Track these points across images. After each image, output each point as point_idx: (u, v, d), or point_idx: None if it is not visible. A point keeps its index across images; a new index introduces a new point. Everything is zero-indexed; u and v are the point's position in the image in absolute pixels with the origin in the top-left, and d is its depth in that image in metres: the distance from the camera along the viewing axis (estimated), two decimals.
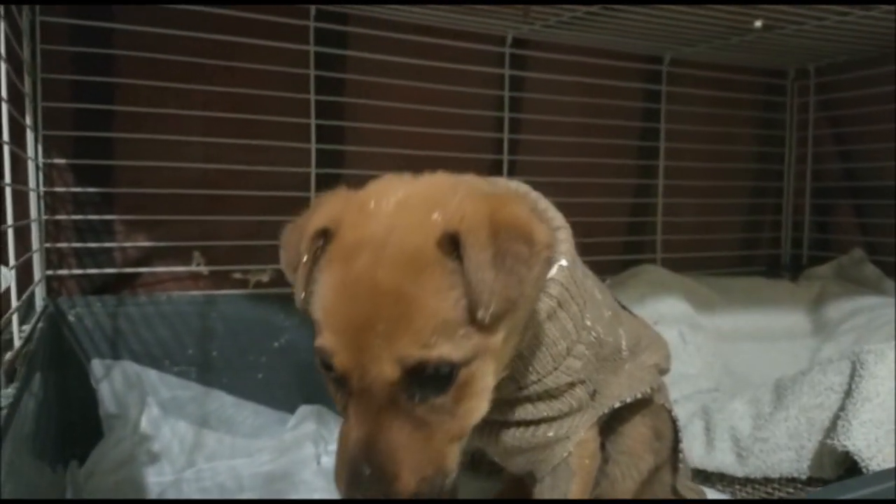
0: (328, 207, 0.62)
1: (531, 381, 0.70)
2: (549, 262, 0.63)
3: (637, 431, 0.87)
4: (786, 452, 0.95)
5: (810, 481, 0.94)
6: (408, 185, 0.62)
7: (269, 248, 1.40)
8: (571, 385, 0.72)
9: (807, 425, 0.94)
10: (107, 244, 1.28)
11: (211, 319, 1.32)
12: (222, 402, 1.30)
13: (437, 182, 0.63)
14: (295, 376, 1.36)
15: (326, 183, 1.42)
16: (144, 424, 1.16)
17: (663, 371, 0.86)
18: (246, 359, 1.34)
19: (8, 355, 0.80)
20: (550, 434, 0.73)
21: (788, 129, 1.90)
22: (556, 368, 0.70)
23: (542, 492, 0.77)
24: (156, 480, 1.09)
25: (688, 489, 0.95)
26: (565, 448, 0.75)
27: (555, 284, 0.69)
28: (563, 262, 0.71)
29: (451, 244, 0.55)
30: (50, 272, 1.22)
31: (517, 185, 0.80)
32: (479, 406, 0.58)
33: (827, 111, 1.83)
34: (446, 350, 0.54)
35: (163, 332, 1.28)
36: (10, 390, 0.69)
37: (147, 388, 1.22)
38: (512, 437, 0.73)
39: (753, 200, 1.92)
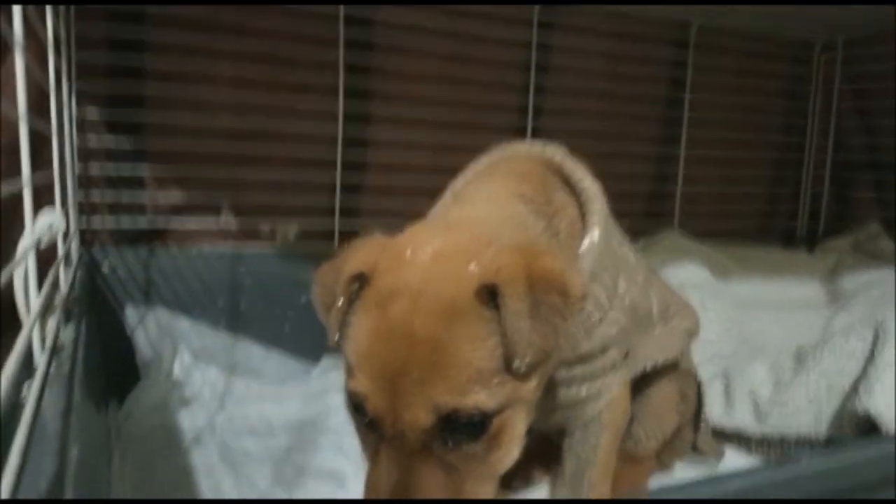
0: (363, 253, 0.62)
1: (565, 350, 0.73)
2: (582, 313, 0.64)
3: (663, 393, 0.90)
4: (804, 415, 0.98)
5: (827, 442, 0.97)
6: (443, 237, 0.62)
7: (296, 205, 1.43)
8: (605, 349, 0.75)
9: (826, 389, 0.97)
10: (138, 198, 1.31)
11: (240, 274, 1.35)
12: (250, 351, 1.34)
13: (472, 233, 0.63)
14: (319, 329, 1.38)
15: (352, 143, 1.45)
16: (177, 371, 1.20)
17: (693, 336, 0.89)
18: (273, 312, 1.37)
19: (59, 298, 0.83)
20: (583, 393, 0.76)
21: (812, 102, 1.90)
22: (589, 337, 0.73)
23: (571, 445, 0.80)
24: (190, 424, 1.12)
25: (708, 445, 0.98)
26: (597, 405, 0.78)
27: (587, 259, 0.72)
28: (595, 235, 0.73)
29: (488, 295, 0.56)
30: (83, 225, 1.25)
31: (553, 151, 0.81)
32: (510, 453, 0.59)
33: (852, 85, 1.83)
34: (481, 398, 0.54)
35: (194, 284, 1.31)
36: (70, 330, 0.72)
37: (179, 337, 1.25)
38: (544, 396, 0.76)
39: (774, 173, 1.93)
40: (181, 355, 1.22)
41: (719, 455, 1.00)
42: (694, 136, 1.77)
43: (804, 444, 0.99)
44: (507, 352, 0.54)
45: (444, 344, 0.54)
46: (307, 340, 1.38)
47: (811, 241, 1.86)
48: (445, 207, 0.80)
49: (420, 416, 0.54)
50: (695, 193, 1.80)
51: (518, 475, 0.93)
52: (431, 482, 0.55)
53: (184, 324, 1.27)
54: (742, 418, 1.04)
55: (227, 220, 1.39)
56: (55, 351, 0.65)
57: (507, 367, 0.55)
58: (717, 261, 1.51)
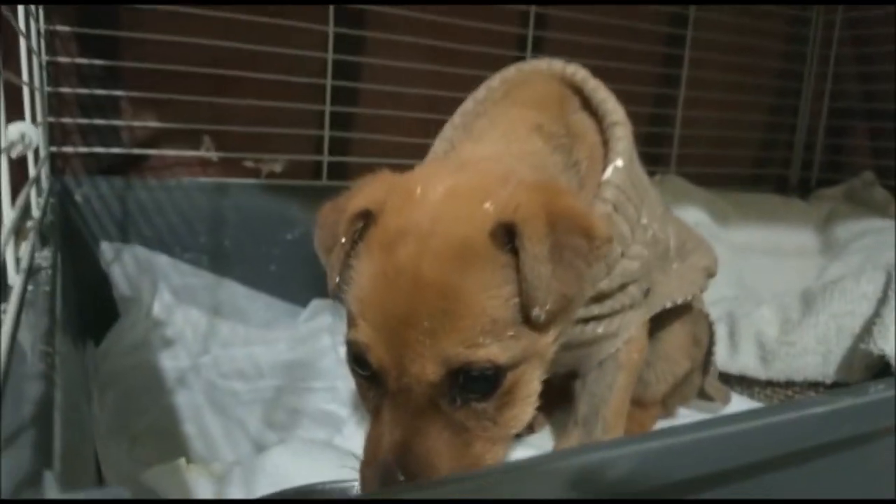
0: (371, 189, 0.57)
1: (588, 293, 0.68)
2: (607, 258, 0.59)
3: (676, 337, 0.86)
4: (812, 357, 0.96)
5: (835, 385, 0.96)
6: (457, 173, 0.57)
7: (282, 136, 1.35)
8: (624, 286, 0.71)
9: (836, 331, 0.95)
10: (113, 121, 1.22)
11: (223, 208, 1.27)
12: (234, 292, 1.28)
13: (487, 171, 0.58)
14: (307, 270, 1.33)
15: (343, 71, 1.36)
16: (157, 310, 1.14)
17: (712, 275, 0.85)
18: (259, 250, 1.31)
19: (30, 222, 0.76)
20: (599, 331, 0.72)
21: (811, 47, 1.85)
22: (608, 273, 0.68)
23: (585, 385, 0.76)
24: (172, 365, 1.07)
25: (715, 389, 0.96)
26: (613, 345, 0.74)
27: (610, 188, 0.67)
28: (619, 163, 0.68)
29: (505, 236, 0.51)
30: (54, 149, 1.16)
31: (574, 70, 0.76)
32: (523, 412, 0.55)
33: (851, 31, 1.79)
34: (494, 351, 0.50)
35: (173, 218, 1.23)
36: (47, 252, 0.66)
37: (158, 274, 1.18)
38: None
39: (769, 118, 1.89)
40: (161, 294, 1.15)
41: (726, 400, 0.98)
42: (693, 77, 1.72)
43: (811, 387, 0.98)
44: (525, 300, 0.50)
45: (455, 290, 0.49)
46: (295, 281, 1.32)
47: (804, 190, 1.84)
48: (456, 141, 0.73)
49: (428, 370, 0.50)
50: (691, 137, 1.76)
51: None
52: (437, 442, 0.51)
53: (163, 261, 1.20)
54: (747, 362, 1.02)
55: (209, 151, 1.31)
56: (31, 272, 0.58)
57: (525, 317, 0.50)
58: (716, 205, 1.48)
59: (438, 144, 0.76)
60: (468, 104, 0.77)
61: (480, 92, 0.77)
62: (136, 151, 1.24)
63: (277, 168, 1.38)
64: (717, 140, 1.81)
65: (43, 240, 0.71)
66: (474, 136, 0.69)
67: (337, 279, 0.56)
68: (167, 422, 0.91)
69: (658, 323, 0.83)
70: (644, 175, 0.75)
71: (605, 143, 0.70)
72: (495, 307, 0.50)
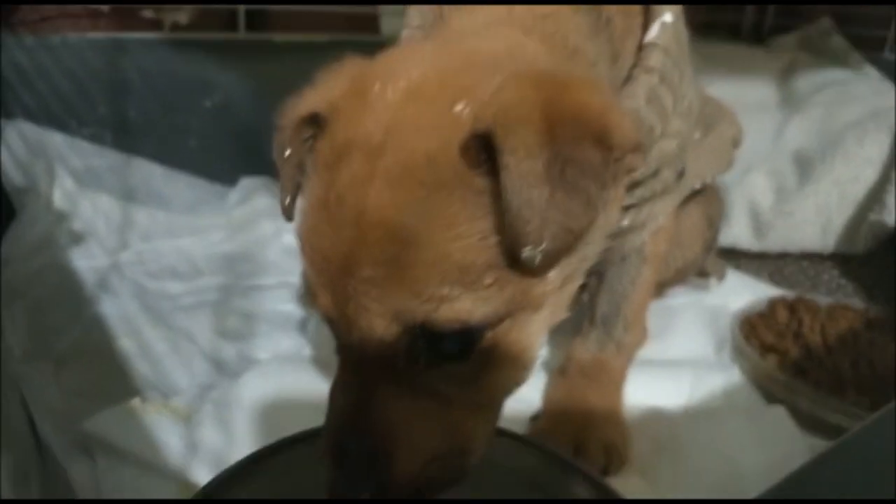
0: (328, 85, 0.43)
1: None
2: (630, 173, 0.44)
3: (691, 221, 0.77)
4: (811, 227, 0.90)
5: (831, 256, 0.91)
6: (431, 59, 0.42)
7: None
8: (658, 171, 0.59)
9: (838, 199, 0.89)
10: None
11: (123, 70, 1.06)
12: (149, 172, 1.09)
13: (472, 54, 0.42)
14: (233, 143, 1.15)
15: None
16: (58, 199, 0.95)
17: (737, 145, 0.75)
18: (172, 121, 1.11)
19: None
20: (625, 223, 0.60)
21: None
22: (644, 158, 0.56)
23: (602, 281, 0.67)
24: (88, 265, 0.90)
25: (712, 263, 0.89)
26: (640, 237, 0.63)
27: (656, 52, 0.53)
28: (668, 18, 0.54)
29: (481, 150, 0.37)
30: None
31: None
32: (514, 376, 0.43)
33: None
34: (463, 306, 0.37)
35: (63, 85, 1.01)
36: None
37: (54, 156, 0.98)
38: None
39: None
40: (60, 180, 0.96)
41: (721, 275, 0.92)
42: None
43: (806, 258, 0.93)
44: (510, 236, 0.36)
45: (408, 227, 0.37)
46: (219, 156, 1.15)
47: (756, 38, 1.75)
48: (438, 8, 0.54)
49: (377, 326, 0.38)
50: None
51: None
52: (397, 406, 0.40)
53: (58, 139, 1.00)
54: (738, 233, 0.96)
55: None
56: None
57: (512, 257, 0.37)
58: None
59: (413, 16, 0.57)
60: None
61: None
62: None
63: (183, 18, 1.15)
64: None
65: None
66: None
67: (287, 200, 0.44)
68: (96, 338, 0.76)
69: None
70: (683, 24, 0.62)
71: None
72: (464, 248, 0.37)
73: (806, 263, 0.93)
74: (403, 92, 0.39)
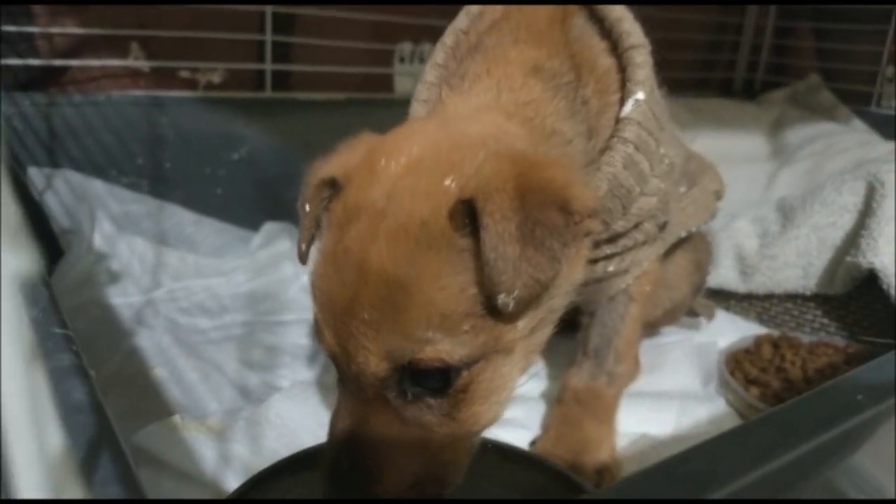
0: (345, 155, 0.51)
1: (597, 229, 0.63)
2: (590, 235, 0.51)
3: (678, 266, 0.84)
4: (793, 269, 0.97)
5: (813, 297, 0.97)
6: (429, 138, 0.49)
7: (219, 41, 1.21)
8: (639, 224, 0.67)
9: (817, 243, 0.95)
10: (25, 28, 1.05)
11: (159, 125, 1.15)
12: (180, 218, 1.18)
13: (461, 136, 0.50)
14: (257, 191, 1.24)
15: None
16: (98, 241, 1.03)
17: (720, 198, 0.83)
18: (202, 171, 1.20)
19: None
20: (610, 268, 0.68)
21: None
22: (625, 214, 0.64)
23: (593, 317, 0.74)
24: (124, 301, 0.98)
25: (701, 305, 0.96)
26: (624, 281, 0.71)
27: (631, 125, 0.60)
28: (640, 95, 0.61)
29: (466, 215, 0.44)
30: None
31: None
32: (489, 411, 0.49)
33: None
34: (444, 348, 0.44)
35: (106, 138, 1.10)
36: None
37: (95, 202, 1.07)
38: None
39: (717, 18, 1.86)
40: (101, 224, 1.04)
41: (711, 315, 0.98)
42: None
43: (787, 300, 0.99)
44: (488, 285, 0.43)
45: (401, 279, 0.44)
46: (243, 204, 1.23)
47: (748, 93, 1.84)
48: (445, 86, 0.63)
49: (372, 362, 0.45)
50: None
51: None
52: (386, 433, 0.47)
53: (99, 187, 1.09)
54: (726, 276, 1.03)
55: (138, 60, 1.16)
56: None
57: (490, 307, 0.44)
58: (673, 112, 1.46)
59: (421, 91, 0.65)
60: (449, 38, 0.66)
61: (475, 6, 0.66)
62: (57, 63, 1.08)
63: (216, 78, 1.25)
64: (663, 42, 1.77)
65: None
66: (465, 86, 0.60)
67: (304, 247, 0.53)
68: (133, 367, 0.84)
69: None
70: (660, 96, 0.70)
71: (621, 67, 0.63)
72: (447, 298, 0.44)
73: (790, 304, 0.99)
74: (404, 166, 0.47)
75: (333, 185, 0.50)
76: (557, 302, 0.51)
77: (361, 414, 0.47)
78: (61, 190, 1.02)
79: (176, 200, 1.17)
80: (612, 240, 0.66)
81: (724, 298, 1.05)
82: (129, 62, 1.15)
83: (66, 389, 0.29)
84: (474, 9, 0.66)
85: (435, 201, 0.45)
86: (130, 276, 1.04)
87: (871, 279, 0.89)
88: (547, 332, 0.52)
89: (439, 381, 0.46)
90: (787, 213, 1.02)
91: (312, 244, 0.52)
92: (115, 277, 1.02)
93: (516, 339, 0.48)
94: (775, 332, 0.93)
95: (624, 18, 0.64)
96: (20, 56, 1.05)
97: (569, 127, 0.58)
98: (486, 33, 0.63)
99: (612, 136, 0.61)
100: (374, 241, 0.45)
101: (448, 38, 0.65)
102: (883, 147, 1.43)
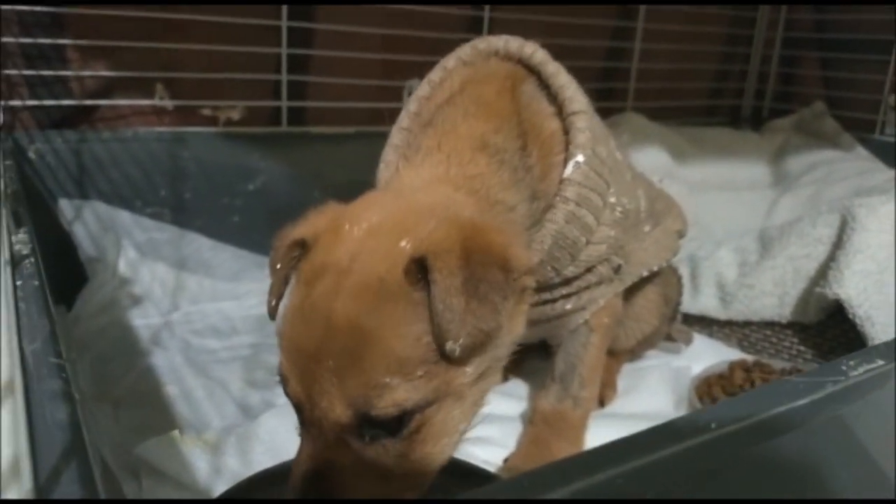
0: (313, 220, 0.57)
1: (549, 276, 0.69)
2: (527, 291, 0.57)
3: (647, 300, 0.90)
4: (769, 298, 1.01)
5: (790, 325, 1.01)
6: (386, 207, 0.56)
7: (238, 81, 1.31)
8: (590, 268, 0.73)
9: (793, 273, 1.00)
10: (60, 72, 1.16)
11: (182, 159, 1.24)
12: (199, 244, 1.26)
13: (414, 205, 0.56)
14: (272, 219, 1.31)
15: (298, 11, 1.31)
16: (123, 267, 1.12)
17: (682, 236, 0.88)
18: (221, 201, 1.29)
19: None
20: (568, 307, 0.74)
21: None
22: (574, 261, 0.70)
23: (560, 345, 0.80)
24: (144, 323, 1.07)
25: (679, 331, 1.01)
26: (582, 317, 0.77)
27: (571, 186, 0.66)
28: (580, 158, 0.67)
29: (419, 273, 0.50)
30: (1, 103, 1.10)
31: (531, 51, 0.71)
32: (441, 452, 0.54)
33: None
34: (400, 394, 0.49)
35: (132, 172, 1.20)
36: (23, 235, 0.64)
37: (121, 230, 1.16)
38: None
39: (724, 48, 1.90)
40: (126, 251, 1.13)
41: (689, 341, 1.03)
42: (650, 10, 1.71)
43: (766, 327, 1.03)
44: (437, 333, 0.49)
45: (362, 330, 0.49)
46: (259, 232, 1.31)
47: (756, 120, 1.88)
48: (403, 157, 0.69)
49: (335, 409, 0.50)
50: (648, 70, 1.76)
51: None
52: (347, 476, 0.51)
53: (125, 216, 1.18)
54: (707, 303, 1.07)
55: (163, 99, 1.26)
56: (15, 263, 0.57)
57: (441, 354, 0.50)
58: (673, 142, 1.51)
59: (387, 152, 0.72)
60: (413, 106, 0.73)
61: (435, 74, 0.73)
62: (88, 102, 1.19)
63: (235, 115, 1.34)
64: (673, 73, 1.82)
65: (17, 218, 0.68)
66: (418, 159, 0.66)
67: (273, 302, 0.58)
68: (147, 385, 0.92)
69: (631, 287, 0.84)
70: (609, 144, 0.74)
71: (566, 130, 0.69)
72: (404, 346, 0.49)
73: (769, 331, 1.03)
74: (366, 230, 0.53)
75: (302, 247, 0.56)
76: (501, 351, 0.56)
77: (325, 457, 0.51)
78: (89, 220, 1.12)
79: (196, 228, 1.25)
80: (566, 282, 0.72)
81: (706, 325, 1.09)
82: (155, 101, 1.25)
83: (51, 410, 0.36)
84: (435, 77, 0.73)
85: (392, 260, 0.51)
86: (151, 300, 1.13)
87: (842, 309, 0.93)
88: (494, 379, 0.57)
89: (392, 424, 0.51)
90: (765, 243, 1.06)
91: (281, 300, 0.57)
92: (137, 300, 1.11)
93: (465, 384, 0.53)
94: (750, 358, 0.98)
95: (567, 86, 0.70)
96: (55, 97, 1.15)
97: (511, 195, 0.64)
98: (440, 108, 0.69)
99: (555, 195, 0.66)
100: (338, 295, 0.50)
101: (412, 104, 0.73)
102: (882, 175, 1.46)
